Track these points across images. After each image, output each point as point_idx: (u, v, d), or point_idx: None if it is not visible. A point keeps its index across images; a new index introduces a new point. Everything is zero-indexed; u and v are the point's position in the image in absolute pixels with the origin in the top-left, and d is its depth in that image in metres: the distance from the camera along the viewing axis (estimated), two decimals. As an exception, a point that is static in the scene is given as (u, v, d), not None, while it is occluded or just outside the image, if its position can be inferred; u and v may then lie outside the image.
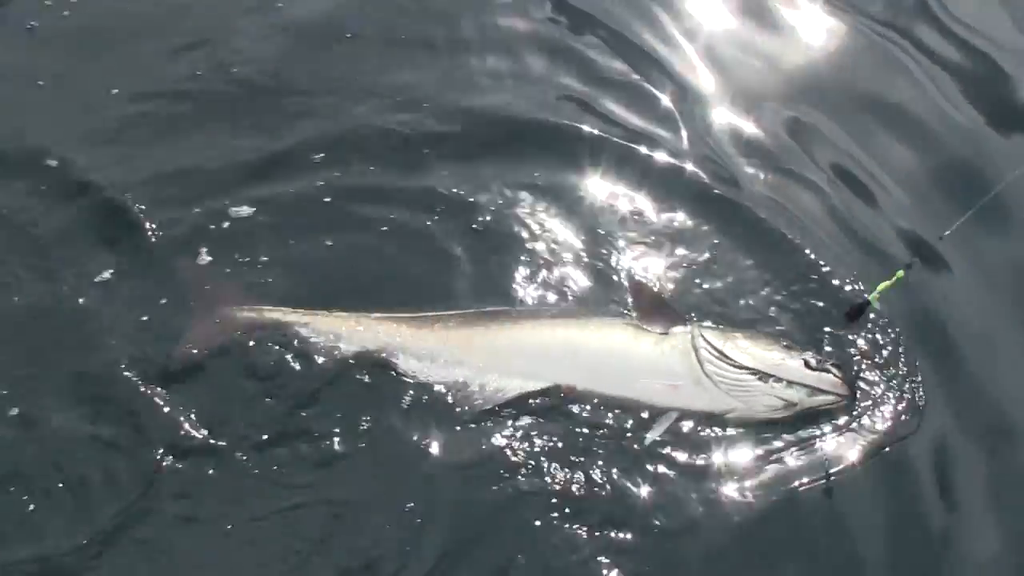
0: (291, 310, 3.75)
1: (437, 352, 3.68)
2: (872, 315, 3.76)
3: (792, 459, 3.48)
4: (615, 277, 4.06)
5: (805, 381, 3.52)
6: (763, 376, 3.53)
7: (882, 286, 3.47)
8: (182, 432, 3.40)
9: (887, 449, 3.51)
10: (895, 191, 4.57)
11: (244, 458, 3.37)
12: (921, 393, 3.66)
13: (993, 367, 3.81)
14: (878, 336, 3.78)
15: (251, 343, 3.68)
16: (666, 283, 4.03)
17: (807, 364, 3.53)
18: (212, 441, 3.39)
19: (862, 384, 3.65)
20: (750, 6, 5.86)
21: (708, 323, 3.80)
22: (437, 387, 3.62)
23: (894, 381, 3.68)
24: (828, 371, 3.53)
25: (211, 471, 3.33)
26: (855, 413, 3.59)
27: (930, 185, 4.61)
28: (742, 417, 3.53)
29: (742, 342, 3.60)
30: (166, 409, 3.45)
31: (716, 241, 4.23)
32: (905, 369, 3.71)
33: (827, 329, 3.72)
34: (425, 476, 3.38)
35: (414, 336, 3.71)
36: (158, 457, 3.33)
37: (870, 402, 3.61)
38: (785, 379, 3.52)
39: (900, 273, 3.35)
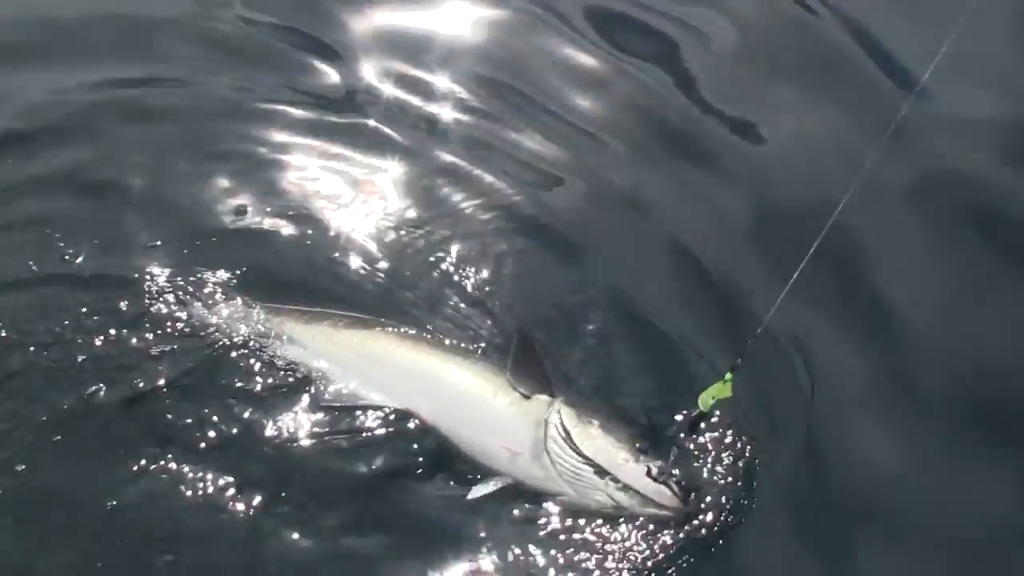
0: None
1: (314, 342, 3.76)
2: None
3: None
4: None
5: (641, 489, 3.38)
6: (600, 472, 3.41)
7: (715, 394, 3.25)
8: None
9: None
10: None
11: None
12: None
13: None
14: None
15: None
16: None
17: (649, 472, 3.40)
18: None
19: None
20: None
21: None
22: (298, 372, 3.70)
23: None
24: (668, 486, 3.37)
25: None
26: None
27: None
28: (571, 503, 3.44)
29: (593, 431, 3.46)
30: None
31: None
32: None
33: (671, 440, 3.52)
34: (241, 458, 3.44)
35: (299, 324, 3.82)
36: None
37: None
38: (622, 481, 3.40)
39: (728, 376, 3.16)
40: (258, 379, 3.66)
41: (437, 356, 3.75)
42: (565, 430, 3.47)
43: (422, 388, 3.65)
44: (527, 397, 3.60)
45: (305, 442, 3.53)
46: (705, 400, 3.19)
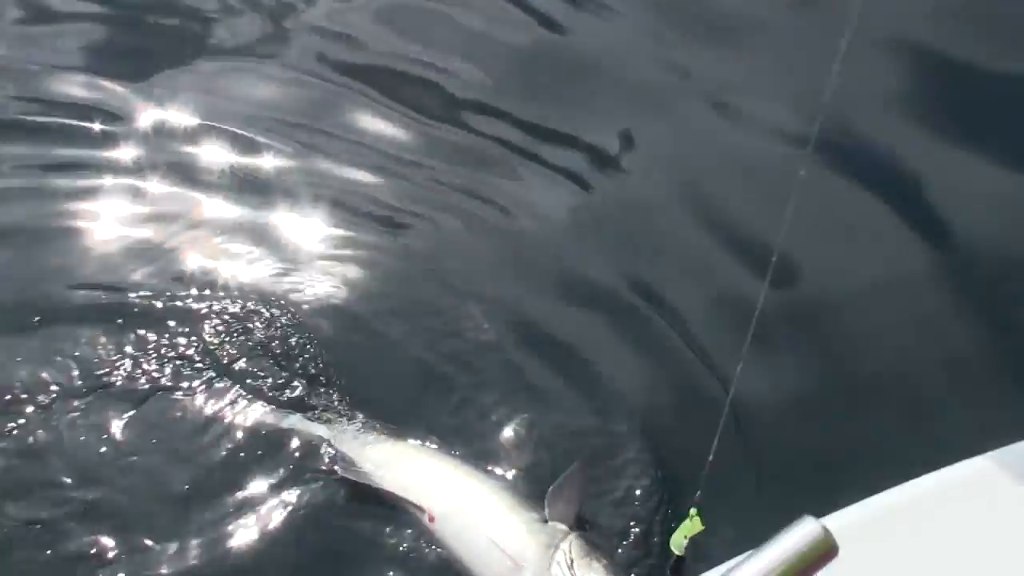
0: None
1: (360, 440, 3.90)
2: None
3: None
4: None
5: None
6: (595, 607, 3.25)
7: (687, 533, 2.99)
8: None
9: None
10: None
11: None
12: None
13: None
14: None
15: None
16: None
17: (639, 621, 3.21)
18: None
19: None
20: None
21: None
22: (328, 448, 3.81)
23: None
24: (660, 642, 3.17)
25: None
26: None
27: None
28: None
29: (596, 565, 3.31)
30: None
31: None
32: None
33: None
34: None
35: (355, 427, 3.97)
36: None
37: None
38: (612, 622, 3.22)
39: (693, 512, 2.90)
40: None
41: (463, 465, 3.79)
42: (570, 558, 3.38)
43: (442, 489, 3.64)
44: (544, 522, 3.56)
45: (310, 523, 3.57)
46: (678, 542, 2.95)
